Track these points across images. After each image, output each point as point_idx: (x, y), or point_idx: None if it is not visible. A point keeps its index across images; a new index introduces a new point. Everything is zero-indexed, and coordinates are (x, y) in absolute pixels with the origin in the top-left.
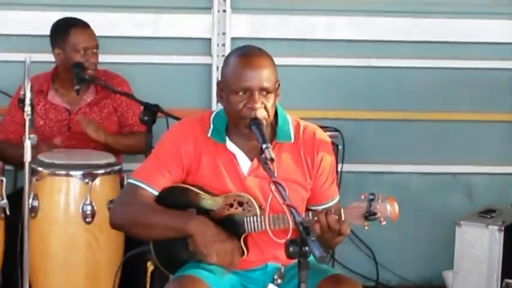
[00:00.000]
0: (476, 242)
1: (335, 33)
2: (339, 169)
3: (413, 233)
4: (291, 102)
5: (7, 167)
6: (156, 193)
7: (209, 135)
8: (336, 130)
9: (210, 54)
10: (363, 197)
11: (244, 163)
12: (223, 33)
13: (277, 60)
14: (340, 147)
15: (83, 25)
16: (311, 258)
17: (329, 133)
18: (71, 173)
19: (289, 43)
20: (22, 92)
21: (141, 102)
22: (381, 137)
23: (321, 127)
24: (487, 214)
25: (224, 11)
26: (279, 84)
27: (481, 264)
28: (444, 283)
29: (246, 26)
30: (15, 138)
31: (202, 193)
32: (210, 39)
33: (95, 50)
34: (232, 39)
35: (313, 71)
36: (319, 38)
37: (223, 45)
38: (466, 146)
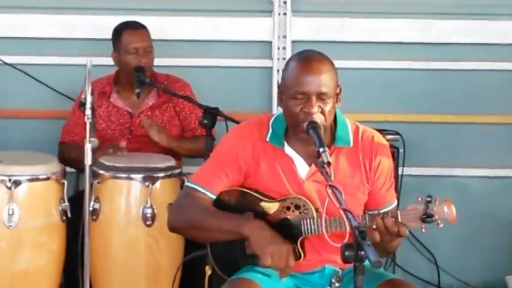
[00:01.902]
0: None
1: (396, 35)
2: (400, 172)
3: (475, 237)
4: (352, 105)
5: (69, 170)
6: (214, 196)
7: (268, 139)
8: (397, 133)
9: (270, 57)
10: (420, 199)
11: (303, 168)
12: (284, 36)
13: (338, 63)
14: (401, 150)
15: (135, 26)
16: (367, 262)
17: (389, 136)
18: (132, 176)
19: (350, 46)
20: (83, 96)
21: (200, 106)
22: (442, 140)
23: (382, 130)
24: None
25: (285, 14)
26: (340, 90)
27: None
28: None
29: (307, 29)
30: (80, 140)
31: (260, 196)
32: (270, 42)
33: (146, 51)
34: (293, 42)
35: (374, 73)
36: (380, 40)
37: (284, 48)
38: None
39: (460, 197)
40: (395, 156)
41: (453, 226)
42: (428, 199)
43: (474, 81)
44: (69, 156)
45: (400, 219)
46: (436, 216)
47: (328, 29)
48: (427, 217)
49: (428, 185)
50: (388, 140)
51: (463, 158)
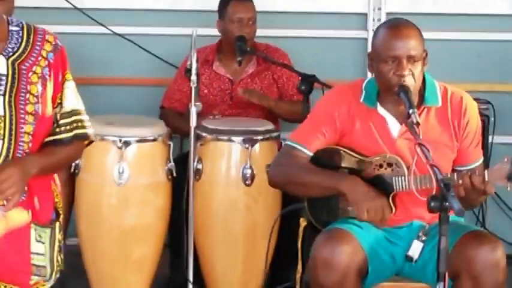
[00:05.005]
0: None
1: (489, 7)
2: (490, 140)
3: None
4: (444, 75)
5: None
6: (311, 154)
7: (361, 100)
8: (488, 102)
9: (365, 28)
10: (506, 160)
11: (394, 127)
12: (379, 9)
13: (432, 35)
14: (492, 119)
15: None
16: (453, 217)
17: (481, 105)
18: (233, 138)
19: (443, 18)
20: (189, 62)
21: (298, 73)
22: None
23: (473, 99)
24: None
25: None
26: (426, 54)
27: None
28: None
29: (401, 1)
30: (179, 106)
31: (354, 154)
32: (366, 14)
33: (250, 22)
34: (388, 14)
35: (466, 44)
36: (473, 12)
37: (379, 20)
38: None
39: None
40: (485, 124)
41: None
42: None
43: None
44: (168, 122)
45: (487, 178)
46: None
47: (422, 1)
48: None
49: None
50: (479, 109)
51: None
